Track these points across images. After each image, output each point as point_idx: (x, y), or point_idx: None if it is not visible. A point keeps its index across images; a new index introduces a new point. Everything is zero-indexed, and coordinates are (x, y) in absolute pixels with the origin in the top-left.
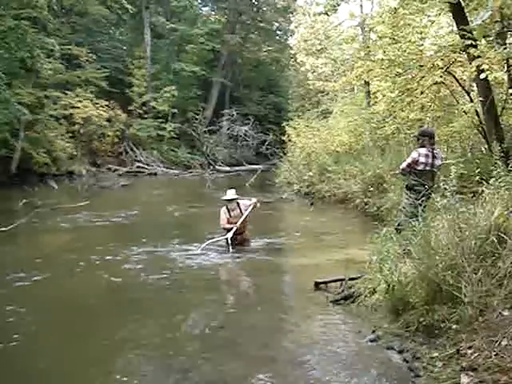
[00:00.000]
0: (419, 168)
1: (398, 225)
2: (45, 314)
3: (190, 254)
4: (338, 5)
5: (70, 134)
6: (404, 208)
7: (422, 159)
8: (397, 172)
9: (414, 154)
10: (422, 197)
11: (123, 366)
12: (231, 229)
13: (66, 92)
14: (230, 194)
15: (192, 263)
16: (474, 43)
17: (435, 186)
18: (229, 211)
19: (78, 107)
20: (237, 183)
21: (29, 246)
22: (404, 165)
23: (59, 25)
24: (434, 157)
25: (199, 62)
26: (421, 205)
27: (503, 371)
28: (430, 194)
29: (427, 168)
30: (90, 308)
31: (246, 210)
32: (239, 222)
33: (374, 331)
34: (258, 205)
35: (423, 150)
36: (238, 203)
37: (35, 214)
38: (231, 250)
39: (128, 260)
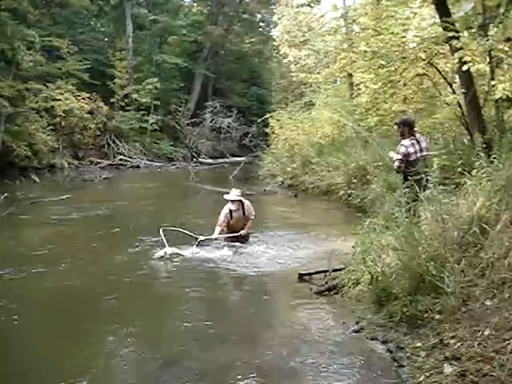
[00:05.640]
0: (411, 159)
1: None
2: (30, 308)
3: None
4: None
5: (52, 127)
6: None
7: (411, 149)
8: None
9: (402, 149)
10: (420, 181)
11: (110, 353)
12: (232, 232)
13: (47, 84)
14: (234, 194)
15: (179, 256)
16: (456, 35)
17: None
18: (230, 212)
19: (60, 99)
20: (220, 175)
21: (11, 239)
22: (397, 163)
23: (40, 16)
24: (418, 142)
25: (182, 54)
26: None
27: (486, 360)
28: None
29: (418, 155)
30: (76, 300)
31: (249, 214)
32: (243, 232)
33: (357, 322)
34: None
35: (407, 142)
36: (242, 204)
37: (17, 208)
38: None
39: (112, 254)
